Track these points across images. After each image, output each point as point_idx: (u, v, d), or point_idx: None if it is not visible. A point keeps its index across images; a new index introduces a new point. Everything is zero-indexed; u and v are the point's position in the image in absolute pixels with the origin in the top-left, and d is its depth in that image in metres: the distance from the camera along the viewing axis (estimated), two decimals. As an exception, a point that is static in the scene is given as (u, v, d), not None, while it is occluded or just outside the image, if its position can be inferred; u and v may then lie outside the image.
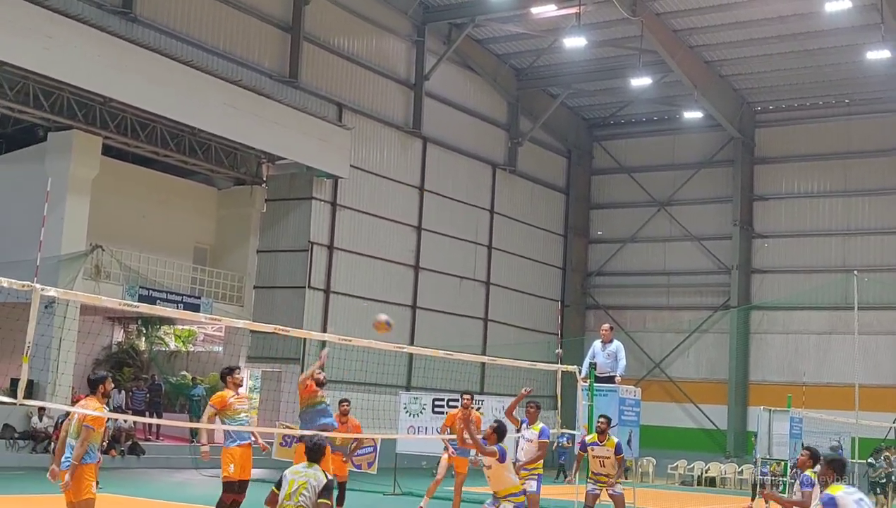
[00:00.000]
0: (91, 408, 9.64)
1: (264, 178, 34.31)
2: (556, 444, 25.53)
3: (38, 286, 9.30)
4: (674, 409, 41.75)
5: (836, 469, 9.81)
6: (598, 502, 14.56)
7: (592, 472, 14.66)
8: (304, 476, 8.37)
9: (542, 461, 14.09)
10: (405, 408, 24.04)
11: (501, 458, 11.34)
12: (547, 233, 44.73)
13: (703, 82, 38.68)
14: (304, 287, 33.39)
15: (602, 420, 14.83)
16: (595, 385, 16.55)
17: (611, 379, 17.08)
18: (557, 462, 33.41)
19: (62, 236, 27.57)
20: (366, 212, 35.61)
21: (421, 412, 23.86)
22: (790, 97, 41.61)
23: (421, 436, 23.21)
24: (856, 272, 29.94)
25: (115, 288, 28.30)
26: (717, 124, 41.43)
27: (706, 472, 36.82)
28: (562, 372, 17.14)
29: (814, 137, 41.67)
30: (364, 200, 35.56)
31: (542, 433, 14.12)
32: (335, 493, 10.06)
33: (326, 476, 8.74)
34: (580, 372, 16.79)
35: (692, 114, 41.07)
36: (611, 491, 14.48)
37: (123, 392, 30.58)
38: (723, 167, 43.10)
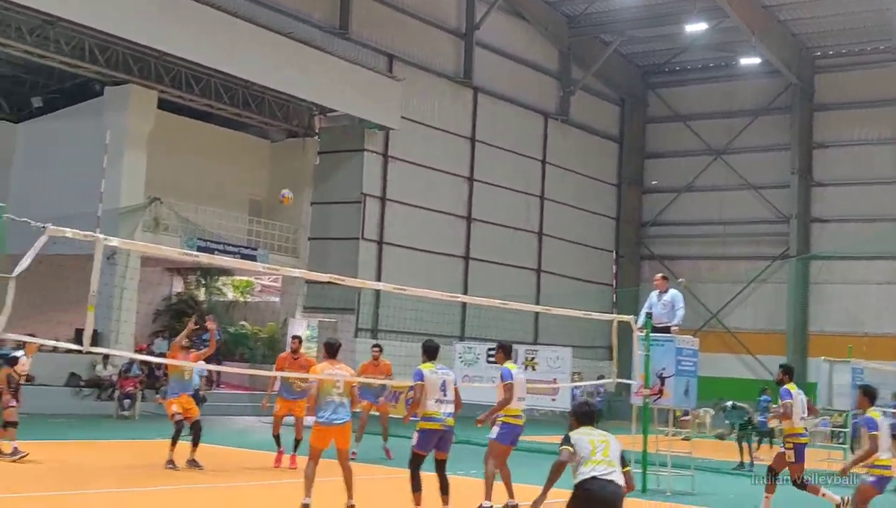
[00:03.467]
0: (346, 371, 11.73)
1: (317, 131, 34.35)
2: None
3: (100, 236, 9.40)
4: (731, 360, 41.44)
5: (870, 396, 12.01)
6: None
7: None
8: (603, 436, 8.24)
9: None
10: (460, 357, 24.17)
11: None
12: (600, 183, 44.39)
13: (760, 27, 37.91)
14: (358, 238, 33.53)
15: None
16: (651, 335, 16.41)
17: (667, 330, 16.88)
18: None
19: (121, 189, 27.91)
20: (417, 163, 35.55)
21: (476, 361, 23.98)
22: (850, 42, 40.67)
23: (476, 385, 23.31)
24: (918, 219, 29.38)
25: (174, 240, 28.55)
26: (774, 70, 40.68)
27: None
28: (617, 322, 17.03)
29: (875, 83, 40.67)
30: (415, 152, 35.49)
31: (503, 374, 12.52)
32: None
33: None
34: (635, 321, 16.64)
35: (749, 61, 40.37)
36: None
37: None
38: (781, 114, 42.37)
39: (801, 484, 13.18)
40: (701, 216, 43.93)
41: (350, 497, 11.42)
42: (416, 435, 11.34)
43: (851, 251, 39.19)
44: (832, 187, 41.34)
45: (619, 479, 7.98)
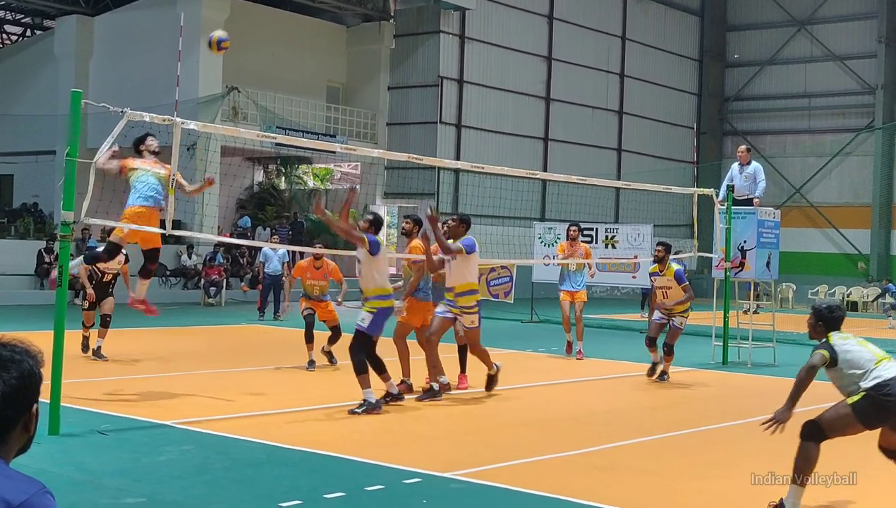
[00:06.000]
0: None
1: (392, 13, 34.09)
2: None
3: (178, 119, 9.56)
4: (815, 235, 40.88)
5: None
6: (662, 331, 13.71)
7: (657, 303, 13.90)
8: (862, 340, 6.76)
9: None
10: (540, 238, 24.16)
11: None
12: (681, 58, 43.47)
13: None
14: (436, 122, 33.49)
15: (659, 248, 14.05)
16: (733, 208, 16.29)
17: (749, 202, 16.72)
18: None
19: (198, 80, 28.15)
20: (494, 43, 35.15)
21: (556, 241, 23.91)
22: None
23: (557, 262, 23.32)
24: None
25: (253, 129, 28.87)
26: (862, -66, 39.06)
27: (848, 297, 36.17)
28: (699, 196, 16.91)
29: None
30: (492, 32, 35.07)
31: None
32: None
33: None
34: (717, 195, 16.51)
35: (835, -75, 38.73)
36: (672, 323, 13.64)
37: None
38: (868, -20, 40.85)
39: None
40: (785, 89, 42.87)
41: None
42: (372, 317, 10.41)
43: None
44: (922, 55, 39.95)
45: None
